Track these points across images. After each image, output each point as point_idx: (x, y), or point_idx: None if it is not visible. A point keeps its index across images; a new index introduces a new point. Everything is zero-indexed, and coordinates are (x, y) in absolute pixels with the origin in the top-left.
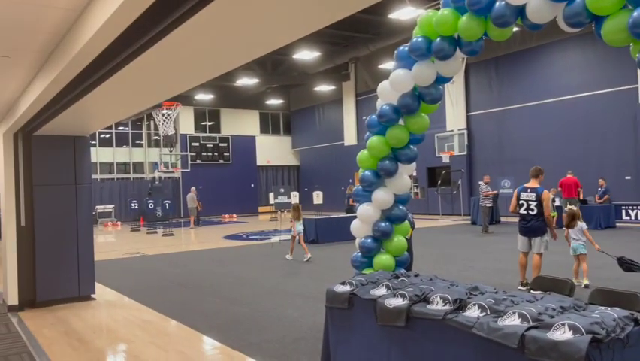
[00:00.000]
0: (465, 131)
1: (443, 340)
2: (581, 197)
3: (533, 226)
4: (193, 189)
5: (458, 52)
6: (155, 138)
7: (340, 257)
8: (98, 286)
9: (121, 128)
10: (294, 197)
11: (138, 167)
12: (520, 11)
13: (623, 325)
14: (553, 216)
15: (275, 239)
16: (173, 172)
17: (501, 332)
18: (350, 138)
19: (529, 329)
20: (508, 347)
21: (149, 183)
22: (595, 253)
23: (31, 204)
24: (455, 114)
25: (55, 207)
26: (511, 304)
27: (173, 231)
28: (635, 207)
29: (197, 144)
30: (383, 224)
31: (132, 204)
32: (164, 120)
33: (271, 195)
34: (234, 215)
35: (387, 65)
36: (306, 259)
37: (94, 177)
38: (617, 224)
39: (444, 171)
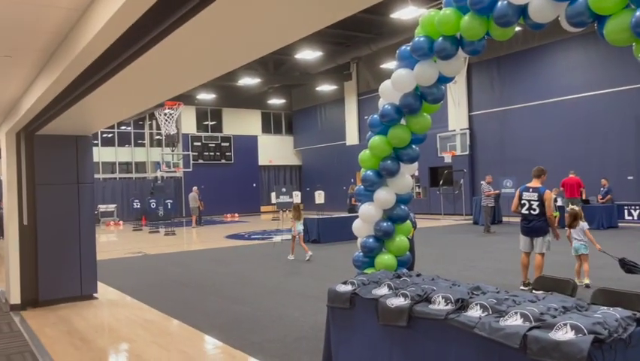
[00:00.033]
0: (467, 131)
1: (445, 340)
2: (584, 197)
3: (535, 226)
4: (195, 188)
5: (460, 51)
6: (158, 137)
7: (342, 257)
8: (100, 285)
9: (123, 127)
10: (296, 197)
11: (140, 166)
12: (523, 11)
13: (626, 325)
14: (556, 216)
15: (277, 239)
16: (175, 172)
17: (503, 331)
18: (352, 137)
19: (531, 329)
20: (510, 347)
21: (151, 182)
22: (596, 253)
23: (33, 204)
24: (457, 114)
25: (58, 207)
26: (513, 304)
27: (175, 230)
28: (637, 207)
29: (199, 144)
30: (385, 224)
31: (134, 204)
32: (167, 120)
33: (273, 194)
34: (236, 215)
35: (389, 64)
36: (307, 258)
37: (96, 176)
38: (620, 224)
39: (446, 171)
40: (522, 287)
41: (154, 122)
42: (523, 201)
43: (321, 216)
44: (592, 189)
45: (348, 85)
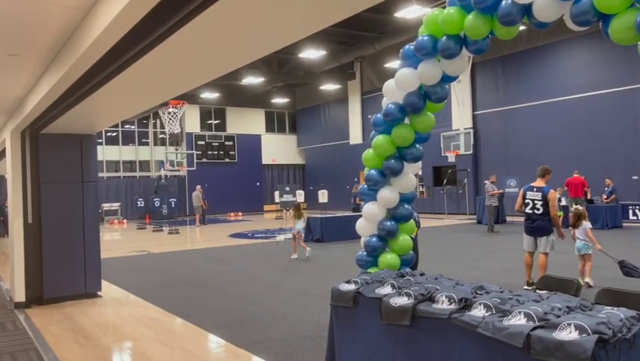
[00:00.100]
0: (471, 131)
1: (448, 339)
2: (588, 197)
3: (539, 225)
4: (198, 187)
5: (464, 50)
6: (161, 136)
7: (345, 256)
8: (104, 283)
9: (127, 126)
10: (300, 196)
11: (144, 165)
12: (527, 10)
13: (630, 325)
14: (560, 216)
15: (280, 238)
16: (178, 170)
17: (506, 331)
18: (355, 136)
19: (534, 328)
20: (513, 346)
21: (155, 181)
22: (600, 254)
23: (38, 202)
24: (461, 113)
25: (62, 205)
26: (516, 304)
27: (179, 229)
28: None
29: (202, 143)
30: (388, 223)
31: (138, 202)
32: (170, 119)
33: (276, 193)
34: (240, 213)
35: (393, 63)
36: (307, 255)
37: (100, 175)
38: (624, 224)
39: (449, 170)
40: (526, 287)
41: (158, 121)
42: (527, 201)
43: (324, 216)
44: (596, 188)
45: (351, 84)
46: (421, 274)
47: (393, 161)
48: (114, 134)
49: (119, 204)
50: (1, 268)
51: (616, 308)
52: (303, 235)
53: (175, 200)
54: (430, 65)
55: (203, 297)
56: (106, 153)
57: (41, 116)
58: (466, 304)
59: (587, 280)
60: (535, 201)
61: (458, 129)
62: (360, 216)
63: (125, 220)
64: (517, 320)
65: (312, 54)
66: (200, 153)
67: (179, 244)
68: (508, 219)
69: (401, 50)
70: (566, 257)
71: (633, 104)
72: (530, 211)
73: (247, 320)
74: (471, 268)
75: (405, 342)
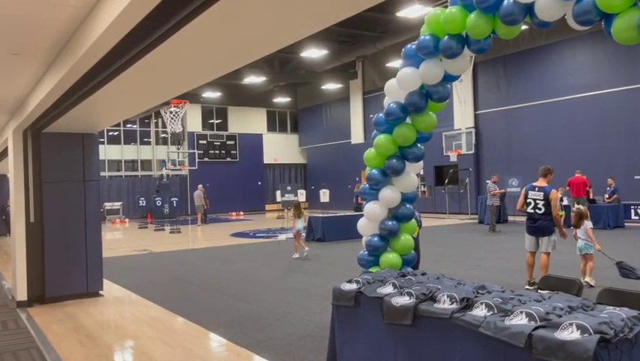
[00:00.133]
0: (473, 130)
1: (450, 339)
2: (590, 196)
3: (541, 225)
4: (200, 186)
5: (466, 50)
6: (163, 135)
7: (347, 255)
8: (105, 282)
9: (129, 125)
10: (301, 195)
11: (146, 164)
12: (529, 9)
13: (632, 325)
14: (561, 216)
15: (281, 237)
16: (180, 170)
17: (508, 331)
18: (357, 136)
19: (536, 328)
20: (515, 346)
21: (156, 180)
22: (602, 254)
23: (40, 201)
24: (463, 113)
25: (64, 204)
26: (518, 304)
27: (181, 228)
28: None
29: (204, 142)
30: (390, 222)
31: (140, 202)
32: (172, 118)
33: (278, 193)
34: (241, 213)
35: (395, 63)
36: (304, 254)
37: (102, 174)
38: (626, 224)
39: (451, 170)
40: (527, 287)
41: (160, 120)
42: (528, 200)
43: (325, 215)
44: (598, 188)
45: (353, 83)
46: (423, 274)
47: (394, 160)
48: (116, 133)
49: (121, 203)
50: (3, 267)
51: (618, 308)
52: (303, 234)
53: (177, 199)
54: (431, 65)
55: (204, 296)
56: (108, 152)
57: (43, 115)
58: (467, 304)
59: (586, 279)
60: (537, 201)
61: (460, 129)
62: (362, 215)
63: (126, 219)
64: (519, 320)
65: (314, 53)
66: (201, 152)
67: (180, 243)
68: (510, 218)
69: (403, 50)
70: (567, 257)
71: (635, 103)
72: (532, 211)
73: (248, 319)
74: (472, 267)
75: (406, 342)
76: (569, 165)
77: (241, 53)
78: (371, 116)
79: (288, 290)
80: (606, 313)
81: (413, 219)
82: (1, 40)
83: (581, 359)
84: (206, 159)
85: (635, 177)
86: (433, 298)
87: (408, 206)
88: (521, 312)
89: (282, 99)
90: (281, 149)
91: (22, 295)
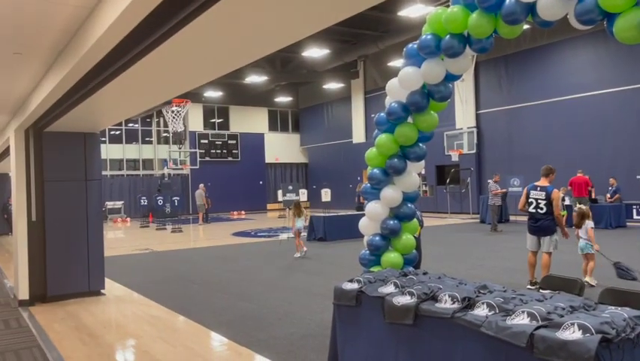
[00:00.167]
0: (474, 130)
1: (451, 338)
2: (592, 196)
3: (542, 225)
4: (202, 185)
5: (468, 49)
6: (165, 134)
7: (348, 255)
8: (107, 281)
9: (131, 125)
10: (302, 195)
11: (147, 164)
12: (531, 8)
13: (634, 325)
14: (563, 215)
15: (283, 236)
16: (182, 169)
17: (510, 330)
18: (359, 135)
19: (538, 328)
20: (516, 346)
21: (158, 179)
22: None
23: (41, 200)
24: (464, 112)
25: (66, 203)
26: (520, 303)
27: (182, 227)
28: None
29: (206, 141)
30: (391, 222)
31: (141, 201)
32: (174, 117)
33: (279, 192)
34: (243, 212)
35: (397, 62)
36: (303, 254)
37: (103, 173)
38: (628, 223)
39: (453, 170)
40: (529, 286)
41: (161, 119)
42: (530, 200)
43: (327, 214)
44: (600, 188)
45: (355, 83)
46: (424, 273)
47: (396, 160)
48: (118, 132)
49: (123, 202)
50: (5, 266)
51: (619, 308)
52: (303, 233)
53: (178, 198)
54: (433, 64)
55: (206, 295)
56: (109, 151)
57: (45, 114)
58: (469, 304)
59: (586, 279)
60: (539, 201)
61: (461, 128)
62: (364, 215)
63: (128, 218)
64: (521, 320)
65: (316, 53)
66: (203, 151)
67: (182, 242)
68: (512, 218)
69: (404, 49)
70: (569, 257)
71: (638, 103)
72: (534, 211)
73: (250, 319)
74: (474, 267)
75: (408, 341)
76: (570, 164)
77: (242, 53)
78: (372, 115)
79: (289, 289)
80: (608, 313)
81: (415, 219)
82: (2, 40)
83: (582, 359)
84: (207, 159)
85: (637, 176)
86: (434, 298)
87: (409, 205)
88: (523, 312)
89: (283, 99)
90: (282, 148)
91: (23, 294)
